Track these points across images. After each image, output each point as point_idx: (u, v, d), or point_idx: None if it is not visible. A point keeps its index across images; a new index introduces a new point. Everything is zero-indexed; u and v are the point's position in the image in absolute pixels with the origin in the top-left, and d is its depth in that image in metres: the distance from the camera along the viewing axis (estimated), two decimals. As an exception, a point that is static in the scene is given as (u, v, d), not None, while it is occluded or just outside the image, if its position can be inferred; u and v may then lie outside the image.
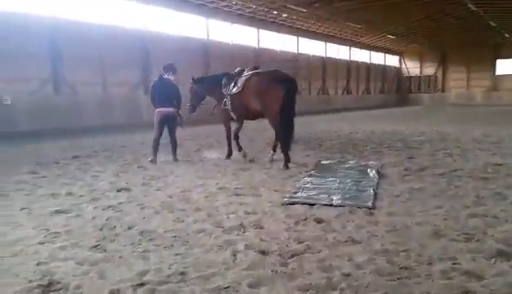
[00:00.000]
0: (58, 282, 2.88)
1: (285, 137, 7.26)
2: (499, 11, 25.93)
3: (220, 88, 8.13)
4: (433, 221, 4.10)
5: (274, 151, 7.84)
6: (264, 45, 27.65)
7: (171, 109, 7.96)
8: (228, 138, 8.34)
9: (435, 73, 43.73)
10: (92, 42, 16.94)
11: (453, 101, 39.85)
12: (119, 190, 5.60)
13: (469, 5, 23.45)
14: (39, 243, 3.64)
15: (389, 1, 23.08)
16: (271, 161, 7.69)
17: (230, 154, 8.29)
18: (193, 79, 8.95)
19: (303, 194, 5.24)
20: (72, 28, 16.52)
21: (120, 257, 3.33)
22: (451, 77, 43.00)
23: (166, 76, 8.05)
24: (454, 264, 3.11)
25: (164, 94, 7.92)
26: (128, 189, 5.67)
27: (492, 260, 3.16)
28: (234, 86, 7.77)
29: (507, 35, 33.94)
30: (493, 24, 29.63)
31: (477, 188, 5.49)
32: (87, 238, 3.77)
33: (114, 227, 4.05)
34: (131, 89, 19.38)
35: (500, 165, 7.12)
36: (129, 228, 4.02)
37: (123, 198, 5.18)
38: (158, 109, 7.97)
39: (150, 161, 7.87)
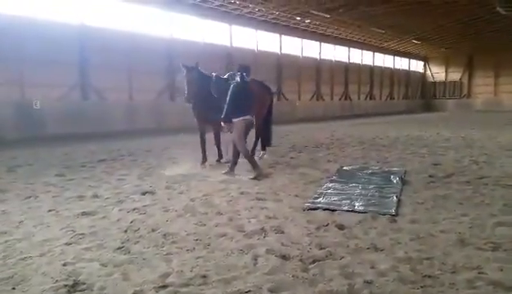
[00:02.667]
0: (83, 283, 2.97)
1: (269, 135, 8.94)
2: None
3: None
4: (458, 229, 4.01)
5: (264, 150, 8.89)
6: (287, 51, 27.66)
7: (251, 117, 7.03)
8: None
9: (461, 78, 42.74)
10: (119, 49, 17.35)
11: (479, 107, 38.84)
12: (143, 193, 5.71)
13: (499, 8, 22.86)
14: (66, 244, 3.75)
15: (414, 6, 22.73)
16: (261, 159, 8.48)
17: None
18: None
19: (325, 200, 5.22)
20: (100, 36, 16.95)
21: (144, 259, 3.39)
22: (477, 82, 41.89)
23: (247, 79, 7.10)
24: (479, 273, 3.05)
25: (249, 99, 7.00)
26: (152, 192, 5.77)
27: (521, 271, 3.07)
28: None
29: (538, 40, 32.92)
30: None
31: (504, 196, 5.34)
32: (112, 239, 3.86)
33: (138, 229, 4.13)
34: (156, 95, 19.71)
35: (530, 173, 6.91)
36: (153, 230, 4.09)
37: (148, 201, 5.28)
38: (242, 118, 6.81)
39: (257, 176, 6.69)
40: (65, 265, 3.28)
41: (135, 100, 18.76)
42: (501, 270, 3.09)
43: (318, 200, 5.21)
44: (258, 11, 23.13)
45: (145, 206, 5.04)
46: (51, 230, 4.15)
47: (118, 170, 7.70)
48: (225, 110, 6.79)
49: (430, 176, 6.71)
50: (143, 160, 8.91)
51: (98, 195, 5.64)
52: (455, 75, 43.07)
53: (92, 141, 12.64)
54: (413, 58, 42.78)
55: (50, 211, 4.85)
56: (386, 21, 26.83)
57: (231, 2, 21.32)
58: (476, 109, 38.48)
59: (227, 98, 6.79)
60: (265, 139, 8.93)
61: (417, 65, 44.39)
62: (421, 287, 2.85)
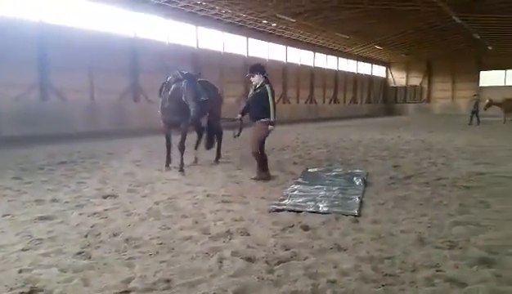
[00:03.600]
0: (40, 290, 2.85)
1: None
2: (482, 24, 26.54)
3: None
4: (418, 229, 4.15)
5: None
6: (254, 54, 27.78)
7: None
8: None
9: (421, 83, 44.43)
10: (81, 48, 16.84)
11: (438, 111, 40.48)
12: (104, 197, 5.55)
13: (454, 17, 23.94)
14: (22, 250, 3.58)
15: (376, 12, 23.42)
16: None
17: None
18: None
19: (290, 202, 5.27)
20: (60, 34, 16.42)
21: (105, 264, 3.30)
22: (436, 87, 43.74)
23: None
24: (438, 271, 3.15)
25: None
26: (114, 196, 5.62)
27: (475, 268, 3.20)
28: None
29: (490, 47, 34.72)
30: (477, 37, 30.29)
31: (460, 196, 5.58)
32: (72, 244, 3.73)
33: (99, 234, 4.01)
34: (119, 96, 19.27)
35: (483, 174, 7.26)
36: (114, 235, 3.98)
37: (109, 205, 5.13)
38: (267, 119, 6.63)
39: (266, 177, 6.77)
40: (20, 271, 3.13)
41: (97, 100, 18.26)
42: (457, 268, 3.21)
43: (284, 202, 5.25)
44: (225, 13, 23.12)
45: (106, 210, 4.90)
46: (6, 236, 3.95)
47: (78, 173, 7.46)
48: (273, 113, 6.58)
49: (391, 178, 6.92)
50: (105, 163, 8.68)
51: (57, 199, 5.43)
52: (416, 80, 44.74)
53: (52, 143, 12.19)
54: (375, 63, 44.08)
55: (5, 215, 4.63)
56: (350, 27, 27.52)
57: (196, 4, 21.19)
58: (435, 113, 40.07)
59: (271, 100, 6.56)
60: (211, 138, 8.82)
61: (379, 70, 45.75)
62: (382, 285, 2.92)
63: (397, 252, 3.52)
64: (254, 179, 6.73)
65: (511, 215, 4.67)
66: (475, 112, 22.60)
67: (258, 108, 6.64)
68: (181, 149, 7.61)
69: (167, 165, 7.84)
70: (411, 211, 4.87)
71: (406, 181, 6.68)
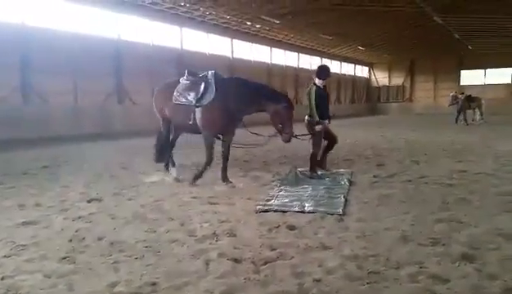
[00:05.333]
0: (24, 296, 2.81)
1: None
2: (462, 24, 27.01)
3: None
4: (401, 226, 4.22)
5: None
6: (238, 55, 27.79)
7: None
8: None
9: (403, 83, 45.02)
10: (64, 50, 16.62)
11: (420, 110, 41.03)
12: (89, 201, 5.50)
13: (436, 18, 24.34)
14: (4, 257, 3.53)
15: (359, 14, 23.65)
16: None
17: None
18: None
19: (277, 202, 5.30)
20: (42, 37, 16.16)
21: (90, 269, 3.27)
22: (418, 87, 44.36)
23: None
24: (421, 267, 3.21)
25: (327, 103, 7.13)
26: (98, 200, 5.57)
27: (457, 263, 3.27)
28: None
29: (470, 47, 35.37)
30: (457, 37, 30.84)
31: (443, 194, 5.69)
32: (56, 249, 3.69)
33: (84, 238, 3.97)
34: (103, 98, 19.05)
35: (465, 171, 7.40)
36: (99, 239, 3.95)
37: (94, 209, 5.09)
38: (322, 121, 6.85)
39: (319, 174, 6.93)
40: (3, 278, 3.09)
41: (80, 103, 18.01)
42: (440, 264, 3.28)
43: (270, 202, 5.27)
44: (209, 14, 23.07)
45: (91, 214, 4.86)
46: (-13, 242, 3.89)
47: (62, 177, 7.36)
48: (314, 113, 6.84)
49: (375, 177, 7.01)
50: (89, 166, 8.58)
51: (41, 204, 5.36)
52: (398, 80, 45.31)
53: (35, 147, 12.00)
54: (358, 63, 44.50)
55: (-14, 221, 4.55)
56: (333, 28, 27.73)
57: (181, 5, 21.11)
58: (417, 112, 40.59)
59: (312, 101, 6.84)
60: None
61: (362, 71, 46.21)
62: (367, 283, 2.97)
63: (381, 250, 3.57)
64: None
65: (491, 211, 4.79)
66: (461, 111, 22.13)
67: (307, 109, 6.96)
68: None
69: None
70: (395, 209, 4.95)
71: (390, 180, 6.77)
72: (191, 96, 6.50)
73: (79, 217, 4.71)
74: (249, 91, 6.43)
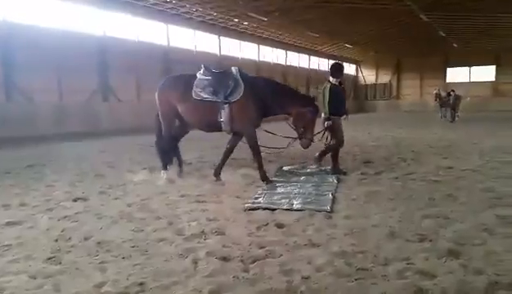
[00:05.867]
0: (9, 298, 2.76)
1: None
2: (448, 22, 27.35)
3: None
4: (389, 223, 4.25)
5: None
6: (226, 52, 27.71)
7: None
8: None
9: (390, 80, 45.44)
10: (47, 47, 16.35)
11: (407, 107, 41.49)
12: (75, 200, 5.43)
13: (422, 16, 24.57)
14: (-12, 258, 3.46)
15: (346, 11, 23.75)
16: None
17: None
18: None
19: (265, 200, 5.29)
20: (25, 33, 15.89)
21: (76, 269, 3.22)
22: (405, 84, 44.84)
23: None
24: (408, 264, 3.24)
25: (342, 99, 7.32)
26: (84, 199, 5.50)
27: (444, 259, 3.31)
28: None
29: (455, 45, 35.85)
30: (443, 35, 31.21)
31: (429, 190, 5.75)
32: (41, 250, 3.62)
33: (70, 238, 3.91)
34: (88, 96, 18.82)
35: (451, 168, 7.50)
36: (86, 238, 3.90)
37: (80, 208, 5.02)
38: (334, 117, 6.99)
39: (345, 173, 7.01)
40: (-14, 280, 3.02)
41: (65, 100, 17.77)
42: (427, 260, 3.31)
43: (259, 200, 5.26)
44: (196, 11, 22.94)
45: (77, 213, 4.79)
46: (-30, 243, 3.81)
47: (47, 176, 7.25)
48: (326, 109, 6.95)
49: (362, 174, 7.05)
50: (75, 165, 8.46)
51: (25, 203, 5.27)
52: (385, 77, 45.72)
53: (18, 146, 11.80)
54: (346, 61, 44.69)
55: (-31, 222, 4.45)
56: (320, 26, 27.81)
57: (166, 1, 20.94)
58: (404, 109, 41.05)
59: (326, 97, 6.95)
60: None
61: (350, 68, 46.45)
62: (355, 279, 2.98)
63: (369, 247, 3.59)
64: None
65: (476, 207, 4.85)
66: (454, 108, 22.15)
67: (323, 107, 7.01)
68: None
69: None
70: (382, 205, 4.98)
71: (377, 177, 6.82)
72: (218, 93, 6.31)
73: (65, 217, 4.64)
74: (276, 92, 6.44)
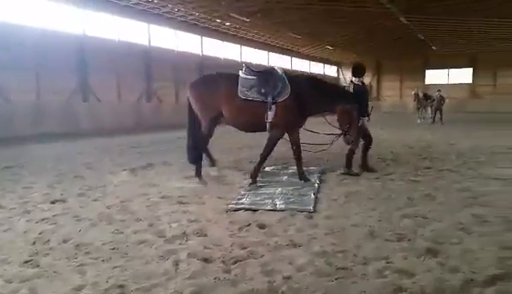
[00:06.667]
0: (-17, 303, 2.69)
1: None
2: (426, 25, 27.88)
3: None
4: (368, 223, 4.31)
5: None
6: (208, 53, 27.62)
7: None
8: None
9: (370, 82, 46.01)
10: (26, 46, 16.01)
11: (387, 109, 42.10)
12: (53, 202, 5.33)
13: (401, 18, 24.98)
14: (-38, 262, 3.37)
15: (327, 13, 23.96)
16: None
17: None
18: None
19: (247, 200, 5.29)
20: (2, 31, 15.49)
21: (54, 272, 3.17)
22: (385, 86, 45.55)
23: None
24: (387, 263, 3.29)
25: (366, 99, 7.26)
26: (63, 201, 5.40)
27: (422, 258, 3.38)
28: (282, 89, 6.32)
29: (434, 48, 36.59)
30: (422, 37, 31.81)
31: (408, 190, 5.86)
32: (18, 253, 3.55)
33: (48, 241, 3.84)
34: (67, 96, 18.48)
35: (430, 168, 7.65)
36: (64, 241, 3.83)
37: (58, 210, 4.93)
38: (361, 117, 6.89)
39: (357, 174, 7.06)
40: (-39, 285, 2.94)
41: (44, 100, 17.39)
42: (406, 259, 3.37)
43: (241, 201, 5.26)
44: (178, 11, 22.80)
45: (55, 215, 4.70)
46: None
47: (24, 177, 7.09)
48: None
49: (343, 174, 7.12)
50: (53, 166, 8.29)
51: (2, 205, 5.14)
52: (366, 79, 46.11)
53: (-6, 147, 11.49)
54: (327, 63, 45.16)
55: None
56: (302, 27, 27.99)
57: (148, 1, 20.75)
58: (384, 110, 41.61)
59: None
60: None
61: (331, 70, 46.90)
62: (336, 279, 3.01)
63: (349, 246, 3.64)
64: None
65: (454, 206, 4.97)
66: (439, 109, 21.86)
67: None
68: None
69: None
70: (362, 205, 5.05)
71: (358, 177, 6.91)
72: (267, 92, 6.21)
73: (43, 219, 4.55)
74: (320, 90, 6.43)
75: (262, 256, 3.46)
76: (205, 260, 3.38)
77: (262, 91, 6.21)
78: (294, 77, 6.60)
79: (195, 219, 4.52)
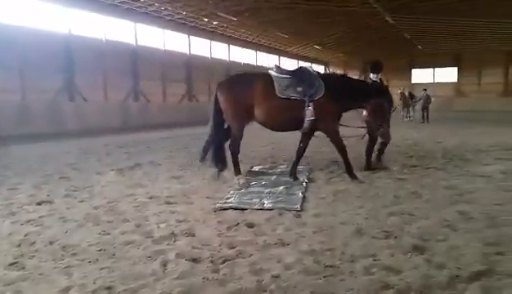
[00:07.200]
0: (-33, 307, 2.65)
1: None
2: (412, 24, 28.22)
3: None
4: (356, 220, 4.34)
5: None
6: (196, 52, 27.52)
7: None
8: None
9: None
10: (10, 44, 15.78)
11: (374, 108, 42.44)
12: (39, 203, 5.24)
13: (387, 18, 25.23)
14: None
15: (314, 13, 24.05)
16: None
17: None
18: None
19: (236, 200, 5.29)
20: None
21: (40, 274, 3.12)
22: (372, 85, 45.90)
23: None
24: (375, 260, 3.32)
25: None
26: (49, 202, 5.32)
27: (408, 255, 3.41)
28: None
29: (420, 47, 37.04)
30: (408, 37, 32.16)
31: (395, 188, 5.92)
32: (3, 255, 3.49)
33: (34, 242, 3.79)
34: (53, 96, 18.24)
35: (416, 166, 7.75)
36: (50, 243, 3.78)
37: (44, 212, 4.86)
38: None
39: (386, 167, 7.38)
40: None
41: (29, 100, 17.15)
42: (393, 256, 3.41)
43: (230, 200, 5.26)
44: (165, 10, 22.68)
45: (41, 217, 4.64)
46: None
47: (10, 178, 6.97)
48: None
49: (331, 172, 7.18)
50: (39, 167, 8.18)
51: (-15, 208, 5.05)
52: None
53: (-22, 148, 11.29)
54: (315, 62, 45.34)
55: None
56: (289, 27, 28.08)
57: (135, 0, 20.59)
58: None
59: None
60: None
61: (319, 69, 47.09)
62: (324, 277, 3.03)
63: (336, 244, 3.66)
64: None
65: (439, 204, 5.03)
66: (426, 108, 22.10)
67: None
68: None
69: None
70: (350, 203, 5.09)
71: (345, 175, 6.93)
72: (303, 91, 6.23)
73: (28, 221, 4.48)
74: (352, 86, 6.58)
75: (251, 255, 3.46)
76: (194, 260, 3.36)
77: (298, 89, 6.24)
78: (326, 76, 6.71)
79: (183, 219, 4.50)
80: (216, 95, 6.61)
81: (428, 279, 2.96)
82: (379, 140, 7.42)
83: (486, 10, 22.37)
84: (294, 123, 6.44)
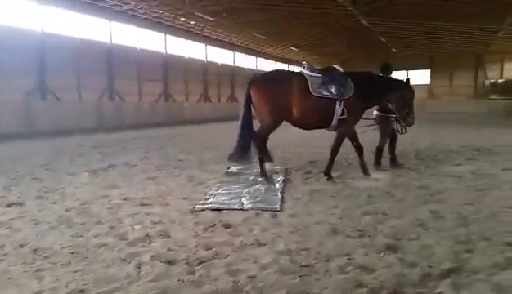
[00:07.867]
0: None
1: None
2: (386, 27, 28.75)
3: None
4: (331, 220, 4.41)
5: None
6: (173, 51, 27.26)
7: None
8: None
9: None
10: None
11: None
12: (9, 205, 5.10)
13: (363, 21, 25.62)
14: None
15: (291, 14, 24.19)
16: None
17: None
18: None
19: (213, 201, 5.27)
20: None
21: (9, 278, 3.04)
22: (348, 86, 46.57)
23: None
24: (349, 259, 3.38)
25: None
26: (19, 204, 5.17)
27: (382, 254, 3.48)
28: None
29: (394, 50, 37.77)
30: (382, 40, 32.76)
31: (368, 188, 6.02)
32: (-31, 260, 3.37)
33: (3, 246, 3.68)
34: (25, 95, 17.71)
35: (389, 167, 7.90)
36: (21, 246, 3.68)
37: (14, 214, 4.72)
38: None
39: (403, 164, 7.84)
40: None
41: (-1, 100, 16.60)
42: (366, 255, 3.47)
43: (209, 201, 5.24)
44: (141, 8, 22.34)
45: (11, 219, 4.50)
46: None
47: (-23, 180, 6.74)
48: None
49: (307, 173, 7.25)
50: (9, 168, 7.93)
51: (-49, 210, 4.87)
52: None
53: None
54: (292, 64, 45.60)
55: None
56: (266, 28, 28.13)
57: (110, -2, 20.24)
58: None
59: None
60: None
61: (296, 70, 47.39)
62: (299, 276, 3.06)
63: (312, 244, 3.70)
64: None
65: (412, 203, 5.16)
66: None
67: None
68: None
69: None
70: (325, 203, 5.16)
71: (321, 175, 7.02)
72: (335, 90, 6.42)
73: (-3, 223, 4.34)
74: (375, 83, 6.82)
75: (227, 256, 3.46)
76: (169, 262, 3.34)
77: (330, 88, 6.43)
78: (353, 74, 6.85)
79: (158, 220, 4.46)
80: (248, 92, 6.55)
81: (400, 278, 3.03)
82: (381, 138, 8.00)
83: (458, 13, 22.99)
84: (324, 122, 6.68)
